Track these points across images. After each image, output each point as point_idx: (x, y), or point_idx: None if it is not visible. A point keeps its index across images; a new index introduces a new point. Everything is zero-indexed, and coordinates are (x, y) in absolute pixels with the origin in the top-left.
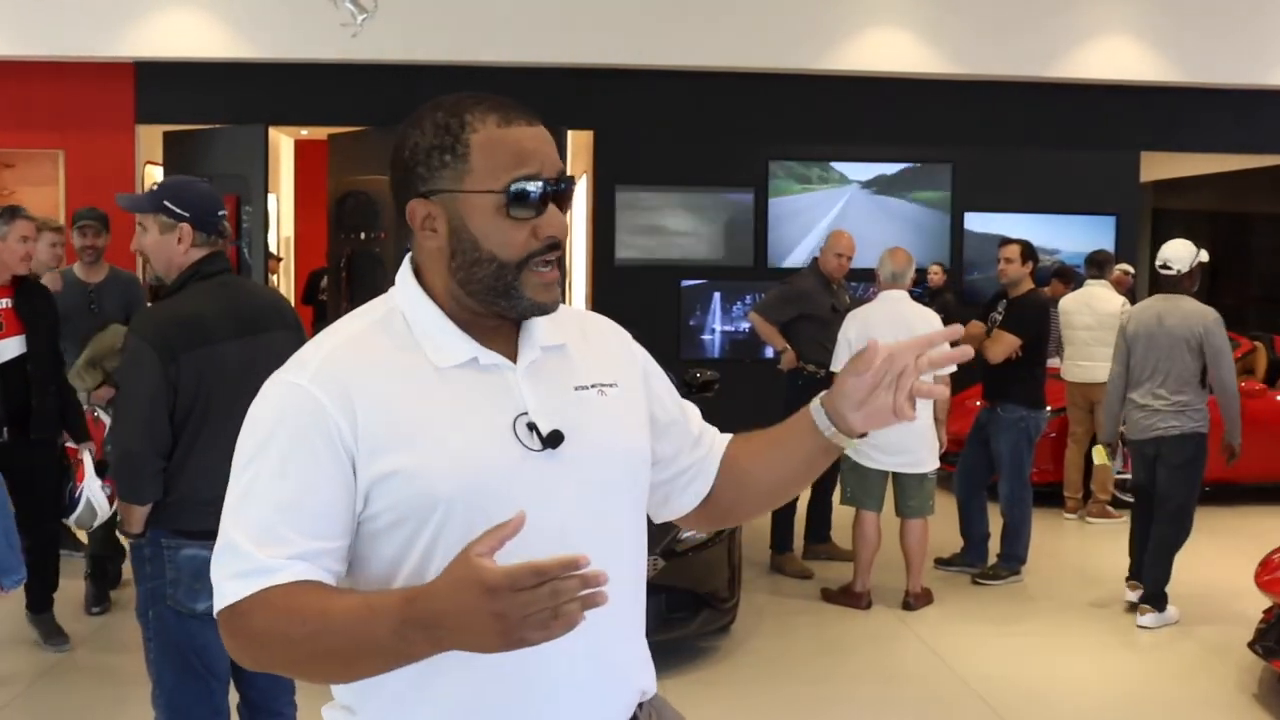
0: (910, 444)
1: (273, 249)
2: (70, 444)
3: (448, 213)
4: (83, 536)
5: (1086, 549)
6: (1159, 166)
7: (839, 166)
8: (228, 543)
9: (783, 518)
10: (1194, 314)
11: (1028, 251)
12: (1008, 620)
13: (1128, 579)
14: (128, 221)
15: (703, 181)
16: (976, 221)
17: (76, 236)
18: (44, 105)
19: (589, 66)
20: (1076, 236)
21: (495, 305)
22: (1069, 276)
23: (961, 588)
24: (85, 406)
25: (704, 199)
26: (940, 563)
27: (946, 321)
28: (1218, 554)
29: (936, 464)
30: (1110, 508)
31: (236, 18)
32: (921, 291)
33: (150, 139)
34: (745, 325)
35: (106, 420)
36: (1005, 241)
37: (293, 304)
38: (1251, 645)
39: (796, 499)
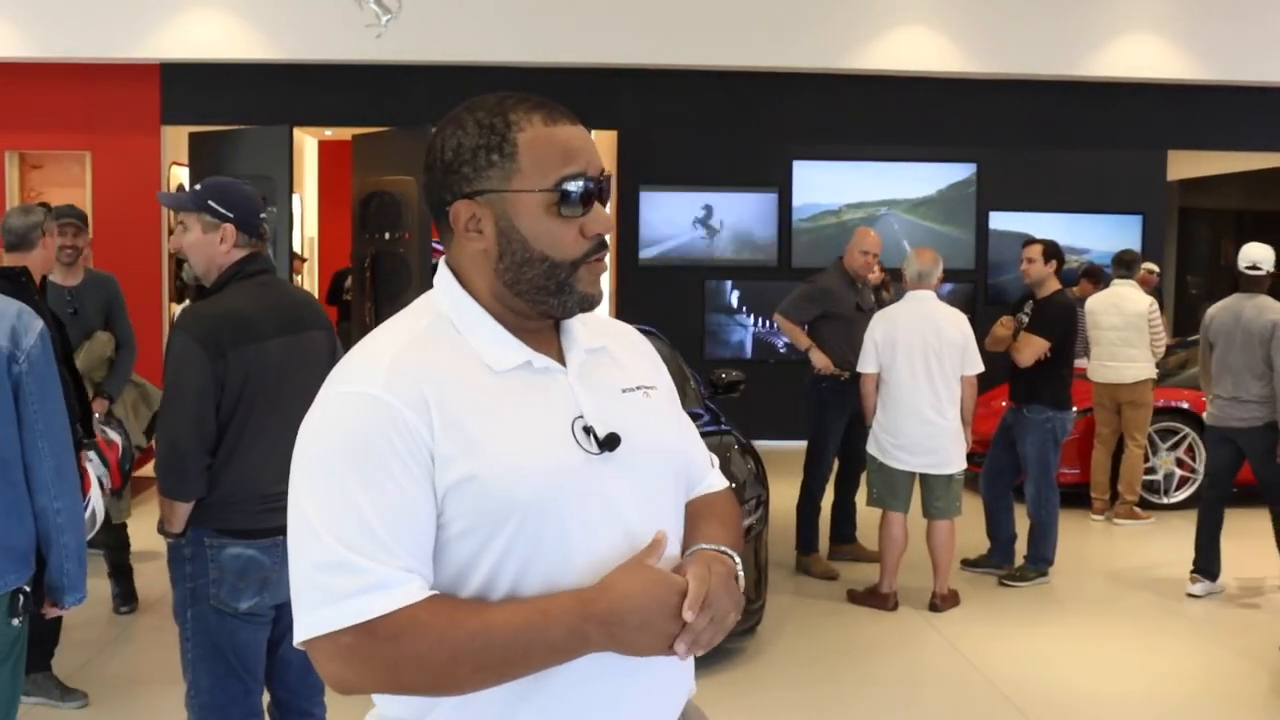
0: (938, 444)
1: (297, 249)
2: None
3: (495, 213)
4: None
5: (1114, 551)
6: (1184, 165)
7: (869, 192)
8: (330, 559)
9: (808, 519)
10: (1270, 309)
11: (1050, 251)
12: (1035, 622)
13: (1191, 572)
14: (112, 222)
15: (726, 181)
16: (1001, 221)
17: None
18: (71, 107)
19: (612, 66)
20: (1102, 236)
21: (544, 304)
22: (1098, 276)
23: (988, 589)
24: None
25: (728, 199)
26: (967, 564)
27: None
28: (1247, 555)
29: (964, 464)
30: (1138, 509)
31: (261, 19)
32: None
33: (176, 140)
34: (770, 325)
35: (117, 439)
36: (1029, 241)
37: None
38: None
39: (821, 499)
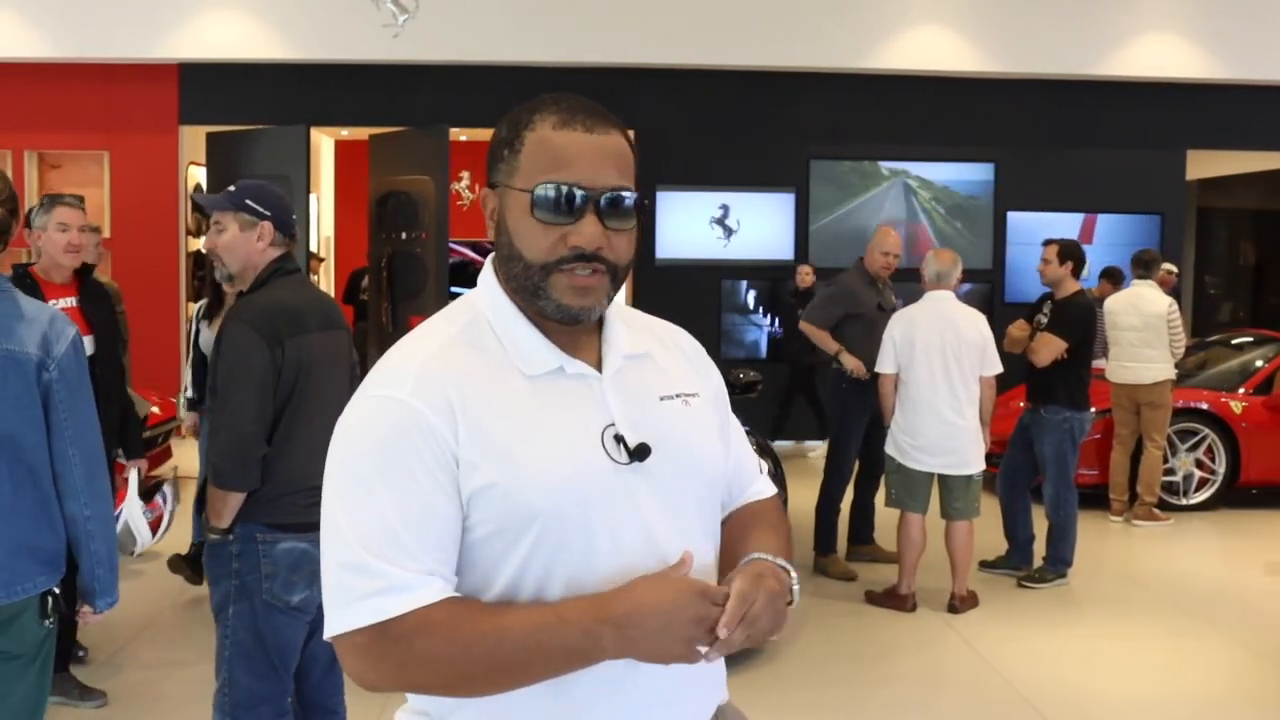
0: (957, 445)
1: (314, 249)
2: (120, 459)
3: (501, 205)
4: None
5: (1133, 552)
6: (1202, 165)
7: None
8: (352, 561)
9: (826, 519)
10: None
11: (1066, 251)
12: (1054, 624)
13: None
14: (130, 222)
15: (743, 181)
16: (1019, 221)
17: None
18: (89, 107)
19: (630, 66)
20: (1121, 236)
21: (532, 304)
22: (1117, 277)
23: (1007, 590)
24: None
25: (745, 199)
26: (985, 565)
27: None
28: (1271, 556)
29: (983, 465)
30: (1157, 510)
31: (278, 20)
32: (792, 291)
33: (193, 140)
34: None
35: (165, 508)
36: (1049, 241)
37: None
38: None
39: (840, 500)
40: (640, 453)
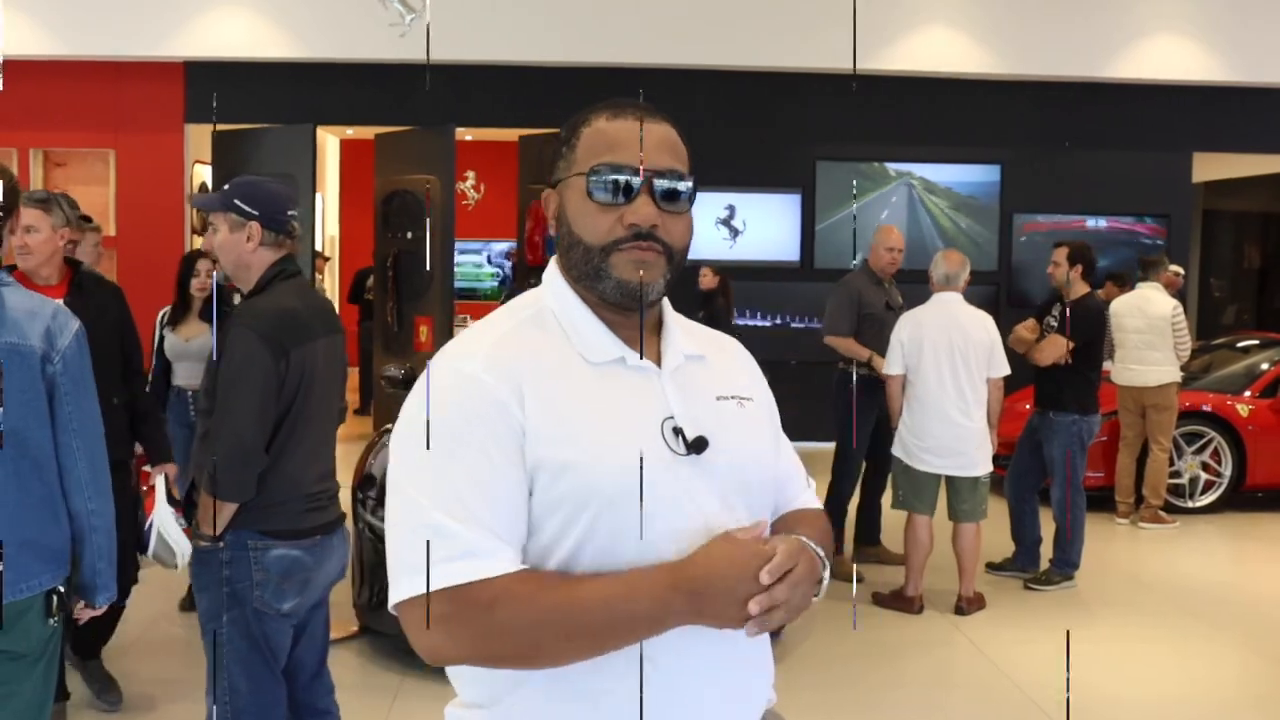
0: (964, 446)
1: (319, 248)
2: (146, 466)
3: (561, 200)
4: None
5: (1139, 554)
6: (1208, 167)
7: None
8: (430, 523)
9: (833, 521)
10: None
11: (1076, 254)
12: (1061, 626)
13: None
14: (135, 220)
15: (749, 182)
16: (1026, 223)
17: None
18: (95, 105)
19: (634, 66)
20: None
21: (593, 290)
22: (1123, 279)
23: (1014, 593)
24: None
25: (751, 199)
26: (992, 567)
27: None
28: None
29: (990, 467)
30: (1163, 513)
31: (285, 18)
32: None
33: (199, 138)
34: (794, 325)
35: (154, 478)
36: (1059, 243)
37: (338, 302)
38: None
39: (849, 502)
40: (698, 445)
